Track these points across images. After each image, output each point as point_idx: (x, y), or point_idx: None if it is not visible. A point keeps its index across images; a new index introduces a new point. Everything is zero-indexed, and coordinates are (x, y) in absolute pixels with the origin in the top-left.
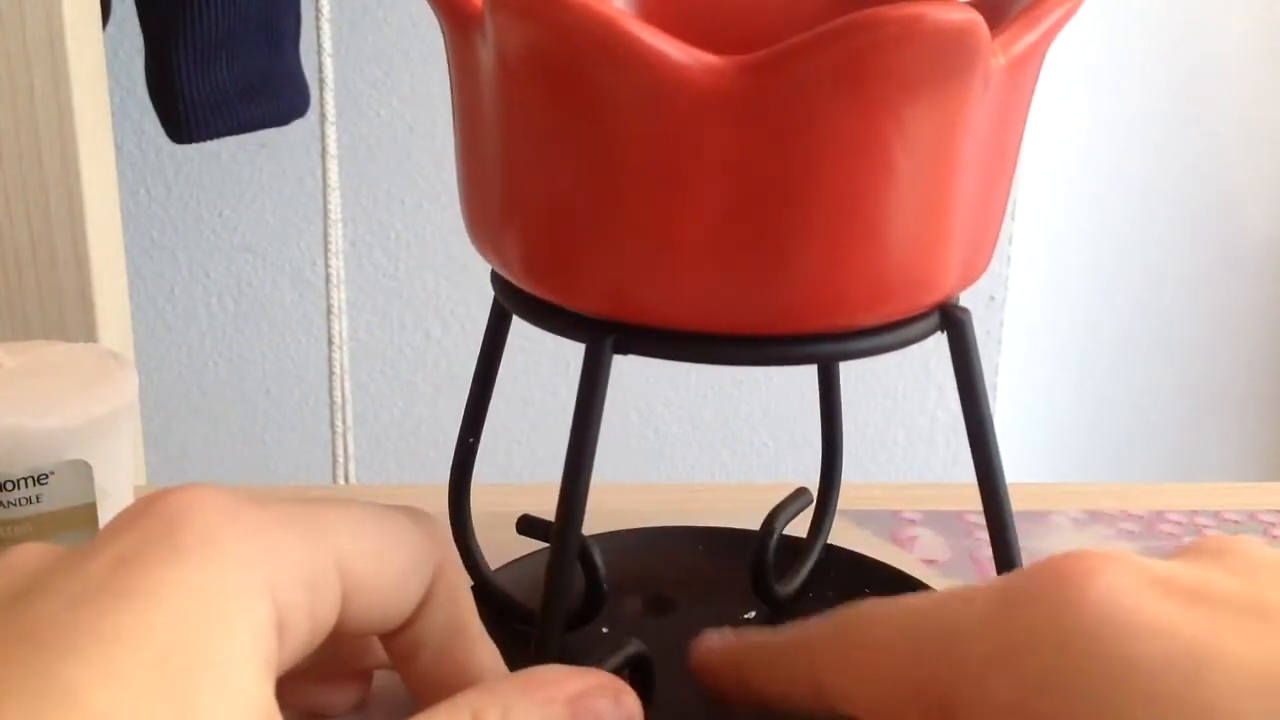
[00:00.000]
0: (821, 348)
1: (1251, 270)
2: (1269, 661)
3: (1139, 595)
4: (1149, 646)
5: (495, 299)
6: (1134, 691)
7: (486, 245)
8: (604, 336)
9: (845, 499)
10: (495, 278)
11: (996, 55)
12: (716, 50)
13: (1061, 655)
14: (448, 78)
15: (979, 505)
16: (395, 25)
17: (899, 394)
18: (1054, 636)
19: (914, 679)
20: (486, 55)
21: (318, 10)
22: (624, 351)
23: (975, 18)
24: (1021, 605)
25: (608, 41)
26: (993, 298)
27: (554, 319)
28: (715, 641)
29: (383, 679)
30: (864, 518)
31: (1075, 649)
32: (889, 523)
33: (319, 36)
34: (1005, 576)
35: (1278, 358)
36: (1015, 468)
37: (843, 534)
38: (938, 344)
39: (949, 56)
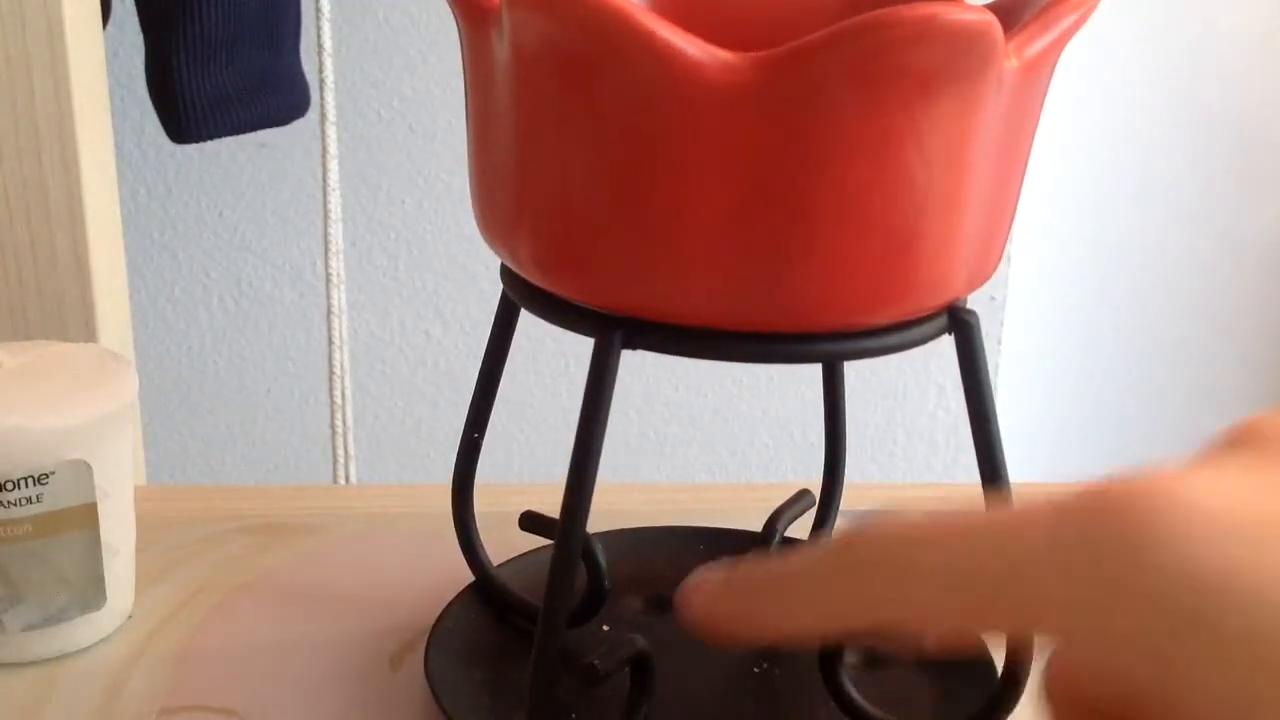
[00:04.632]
0: (829, 346)
1: (1251, 270)
2: None
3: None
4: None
5: (503, 293)
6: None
7: (497, 239)
8: (613, 331)
9: (845, 499)
10: (505, 272)
11: (1010, 57)
12: (732, 47)
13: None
14: (462, 74)
15: (979, 506)
16: (395, 25)
17: (899, 394)
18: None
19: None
20: (502, 50)
21: (318, 10)
22: (633, 346)
23: (990, 19)
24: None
25: (623, 37)
26: (993, 298)
27: (563, 313)
28: (714, 575)
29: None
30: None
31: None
32: None
33: (319, 36)
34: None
35: (1278, 358)
36: (1015, 467)
37: None
38: (939, 344)
39: (963, 57)
